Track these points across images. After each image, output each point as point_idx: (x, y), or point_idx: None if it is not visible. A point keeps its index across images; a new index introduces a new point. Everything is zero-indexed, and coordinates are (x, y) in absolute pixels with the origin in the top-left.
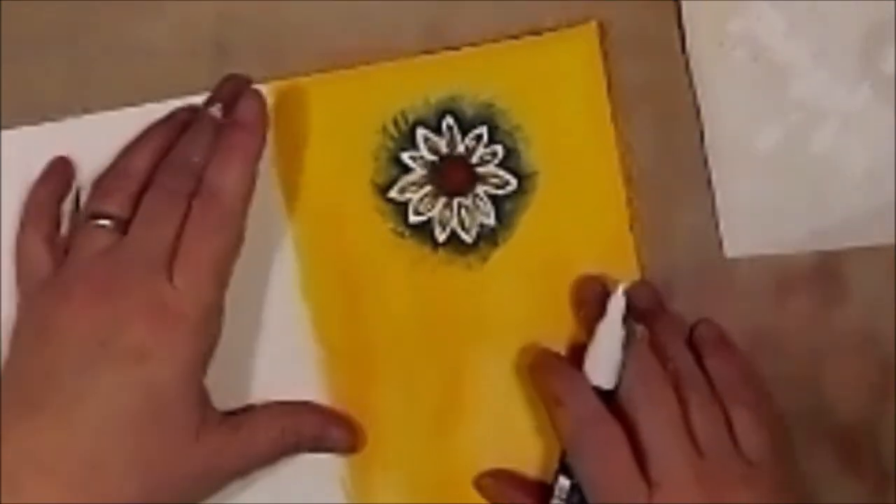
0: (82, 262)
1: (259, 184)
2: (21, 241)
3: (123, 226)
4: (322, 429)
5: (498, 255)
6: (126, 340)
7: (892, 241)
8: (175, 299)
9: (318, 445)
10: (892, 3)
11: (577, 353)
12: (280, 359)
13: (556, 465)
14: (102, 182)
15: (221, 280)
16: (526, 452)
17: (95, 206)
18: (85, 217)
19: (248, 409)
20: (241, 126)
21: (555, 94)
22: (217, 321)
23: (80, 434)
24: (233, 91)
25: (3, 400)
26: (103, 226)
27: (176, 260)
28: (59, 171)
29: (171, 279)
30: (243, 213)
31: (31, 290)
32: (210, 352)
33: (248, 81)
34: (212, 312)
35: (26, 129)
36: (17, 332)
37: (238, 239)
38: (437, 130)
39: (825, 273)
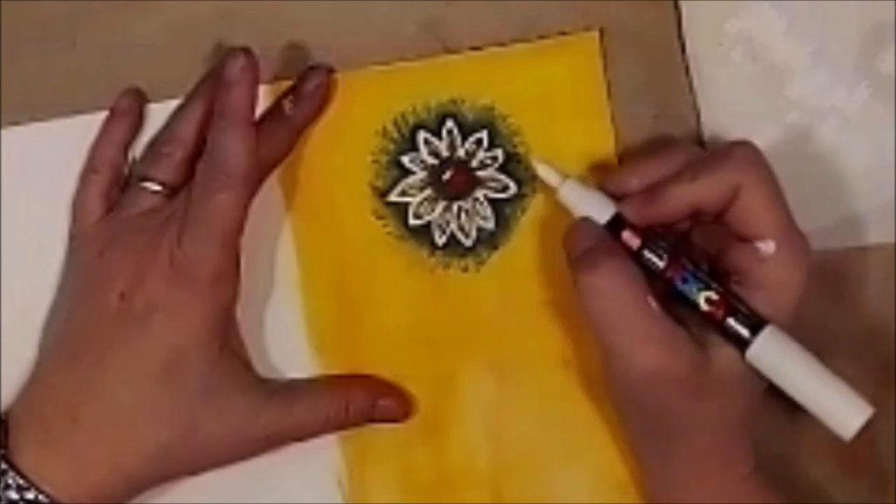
0: (123, 221)
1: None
2: (80, 187)
3: (170, 191)
4: (371, 403)
5: (496, 258)
6: (143, 296)
7: (892, 240)
8: (184, 260)
9: (368, 419)
10: (892, 3)
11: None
12: (277, 358)
13: None
14: (154, 146)
15: (225, 243)
16: (520, 453)
17: (144, 170)
18: (136, 178)
19: (295, 382)
20: (228, 86)
21: (555, 100)
22: (227, 284)
23: (106, 383)
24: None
25: (49, 349)
26: (150, 189)
27: (183, 223)
28: (127, 116)
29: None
30: (245, 176)
31: (77, 236)
32: (225, 315)
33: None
34: (219, 275)
35: (26, 127)
36: (62, 281)
37: (243, 202)
38: (438, 134)
39: (825, 273)
